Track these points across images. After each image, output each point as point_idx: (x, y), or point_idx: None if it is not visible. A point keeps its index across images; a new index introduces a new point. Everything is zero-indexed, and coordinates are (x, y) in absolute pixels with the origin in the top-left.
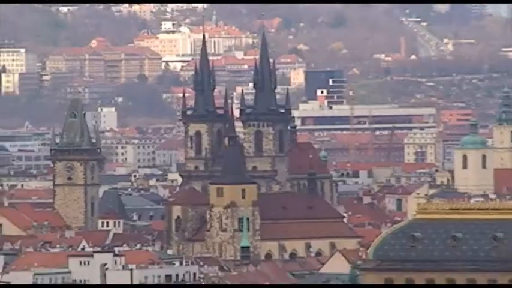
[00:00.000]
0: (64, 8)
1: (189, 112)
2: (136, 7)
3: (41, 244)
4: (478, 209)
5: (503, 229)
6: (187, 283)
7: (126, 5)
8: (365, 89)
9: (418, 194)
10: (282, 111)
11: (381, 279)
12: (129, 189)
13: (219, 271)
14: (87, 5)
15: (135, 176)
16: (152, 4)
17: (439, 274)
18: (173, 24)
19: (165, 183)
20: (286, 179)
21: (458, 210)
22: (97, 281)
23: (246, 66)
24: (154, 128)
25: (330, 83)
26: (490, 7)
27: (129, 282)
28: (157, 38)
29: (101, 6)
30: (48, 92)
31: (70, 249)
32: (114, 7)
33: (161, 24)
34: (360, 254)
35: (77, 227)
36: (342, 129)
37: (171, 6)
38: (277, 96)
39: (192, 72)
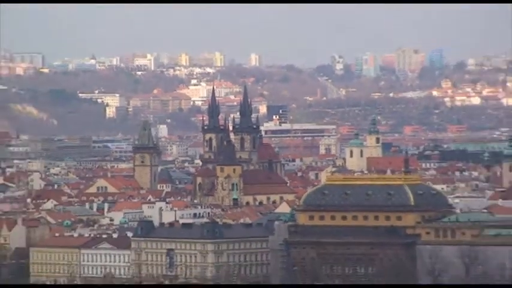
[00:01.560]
0: (138, 72)
1: (205, 127)
2: (178, 72)
3: (127, 197)
4: (358, 178)
5: (373, 189)
6: (206, 221)
7: (172, 70)
8: (298, 115)
9: (326, 170)
10: (255, 127)
11: (306, 217)
12: (174, 168)
13: (221, 211)
14: (153, 68)
15: (177, 161)
16: (186, 69)
17: (338, 213)
18: (197, 81)
19: (192, 165)
20: (256, 162)
21: (348, 179)
22: (157, 218)
23: (235, 103)
24: (187, 136)
25: (280, 112)
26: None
27: (173, 219)
28: (189, 88)
29: (158, 70)
30: (131, 117)
31: (143, 199)
32: (166, 71)
33: (190, 81)
34: (296, 202)
35: (147, 188)
36: (286, 137)
37: (196, 70)
38: (252, 119)
39: (207, 106)
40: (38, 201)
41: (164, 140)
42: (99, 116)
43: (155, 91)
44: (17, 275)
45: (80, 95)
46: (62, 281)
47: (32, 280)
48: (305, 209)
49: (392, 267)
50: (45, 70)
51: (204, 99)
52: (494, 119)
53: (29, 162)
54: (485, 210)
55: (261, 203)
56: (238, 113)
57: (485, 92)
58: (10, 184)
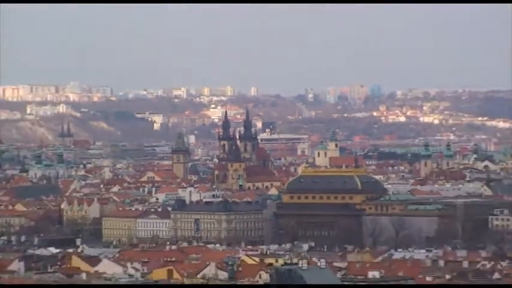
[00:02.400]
0: (175, 100)
1: (220, 137)
2: (202, 99)
3: (167, 184)
4: (323, 171)
5: (333, 178)
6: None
7: (198, 98)
8: (283, 129)
9: (302, 166)
10: (253, 136)
11: (289, 197)
12: (199, 164)
13: (231, 193)
14: (185, 97)
15: (201, 159)
16: (207, 97)
17: (310, 194)
18: (215, 105)
19: (212, 162)
20: (255, 161)
21: (317, 172)
22: (187, 198)
23: (241, 121)
24: (208, 142)
25: (271, 126)
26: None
27: (198, 199)
28: (209, 110)
29: (189, 98)
30: (170, 130)
31: (178, 185)
32: (194, 99)
33: (211, 106)
34: (281, 187)
35: (181, 178)
36: (275, 143)
37: (214, 98)
38: (252, 131)
39: (221, 123)
40: (108, 186)
41: (192, 145)
42: (149, 129)
43: (186, 112)
44: (94, 236)
45: (136, 115)
46: (124, 240)
47: (104, 239)
48: (288, 192)
49: (346, 231)
50: (113, 98)
51: (220, 118)
52: (414, 131)
53: (102, 160)
54: (408, 193)
55: (258, 188)
56: (242, 128)
57: (408, 113)
58: (89, 175)
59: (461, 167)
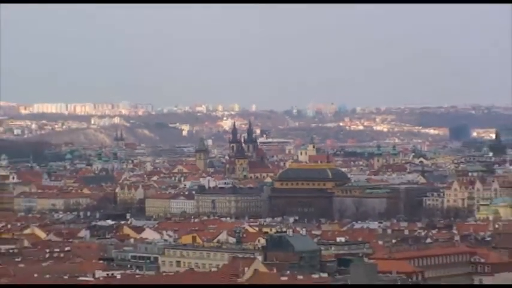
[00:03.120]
0: (198, 114)
1: (230, 141)
2: (217, 113)
3: (192, 174)
4: (305, 165)
5: (312, 170)
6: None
7: (214, 113)
8: (276, 135)
9: (289, 161)
10: (254, 140)
11: (280, 183)
12: (215, 160)
13: (238, 181)
14: (205, 111)
15: (216, 157)
16: (221, 112)
17: (294, 181)
18: (226, 118)
19: (224, 158)
20: (255, 158)
21: (300, 166)
22: (207, 184)
23: (245, 129)
24: (222, 145)
25: (267, 133)
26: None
27: (215, 185)
28: (223, 121)
29: (208, 112)
30: (194, 136)
31: (200, 175)
32: (211, 113)
33: (223, 118)
34: (274, 177)
35: (202, 170)
36: (270, 145)
37: (226, 113)
38: (253, 137)
39: (231, 131)
40: (149, 176)
41: (210, 146)
42: (179, 135)
43: (206, 123)
44: (139, 212)
45: (170, 125)
46: (161, 215)
47: (147, 214)
48: (279, 180)
49: (321, 208)
50: (153, 112)
51: (230, 127)
52: (370, 137)
53: (145, 157)
54: (365, 180)
55: (257, 177)
56: (246, 134)
57: (365, 123)
58: (136, 168)
59: (403, 162)
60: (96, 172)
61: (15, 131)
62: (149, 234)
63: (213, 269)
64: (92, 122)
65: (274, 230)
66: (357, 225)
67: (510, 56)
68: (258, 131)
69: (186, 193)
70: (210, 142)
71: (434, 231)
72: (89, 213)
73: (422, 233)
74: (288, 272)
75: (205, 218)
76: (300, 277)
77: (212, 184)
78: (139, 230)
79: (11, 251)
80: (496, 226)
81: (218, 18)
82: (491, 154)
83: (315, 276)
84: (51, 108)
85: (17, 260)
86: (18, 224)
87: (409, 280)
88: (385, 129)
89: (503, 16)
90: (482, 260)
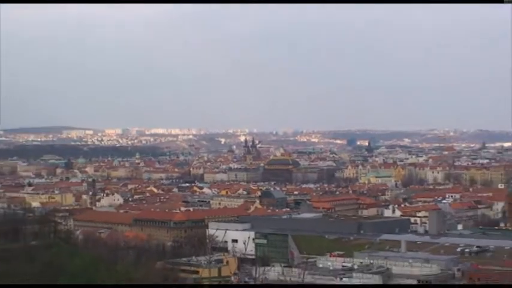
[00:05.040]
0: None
1: (244, 147)
2: (234, 131)
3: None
4: (281, 158)
5: (285, 161)
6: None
7: (234, 132)
8: (266, 143)
9: (272, 155)
10: (255, 146)
11: (268, 166)
12: (236, 155)
13: (248, 165)
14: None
15: (236, 155)
16: (237, 132)
17: (277, 165)
18: (240, 136)
19: (241, 155)
20: (256, 155)
21: (277, 157)
22: (233, 167)
23: (251, 142)
24: (239, 149)
25: (261, 142)
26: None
27: (236, 167)
28: (240, 138)
29: (227, 133)
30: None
31: (231, 162)
32: (231, 132)
33: (240, 136)
34: (265, 163)
35: (231, 160)
36: (263, 149)
37: (240, 132)
38: (255, 143)
39: (244, 143)
40: (206, 162)
41: (234, 149)
42: (220, 144)
43: (232, 138)
44: (201, 180)
45: (215, 138)
46: (211, 181)
47: (205, 181)
48: (267, 165)
49: (286, 178)
50: (207, 132)
51: (243, 141)
52: (309, 144)
53: (204, 154)
54: (307, 164)
55: (257, 163)
56: (251, 143)
57: (307, 138)
58: (200, 159)
59: (325, 156)
60: (181, 161)
61: (143, 141)
62: (205, 190)
63: (235, 206)
64: (178, 138)
65: (264, 188)
66: (304, 186)
67: None
68: (257, 141)
69: (223, 171)
70: (234, 147)
71: (339, 189)
72: (177, 180)
73: (336, 190)
74: (271, 208)
75: (232, 182)
76: (276, 210)
77: (235, 166)
78: (201, 188)
79: (141, 197)
80: (367, 186)
81: None
82: (366, 152)
83: (283, 210)
84: (161, 130)
85: (144, 202)
86: (144, 185)
87: (324, 210)
88: (317, 141)
89: None
90: (363, 202)
